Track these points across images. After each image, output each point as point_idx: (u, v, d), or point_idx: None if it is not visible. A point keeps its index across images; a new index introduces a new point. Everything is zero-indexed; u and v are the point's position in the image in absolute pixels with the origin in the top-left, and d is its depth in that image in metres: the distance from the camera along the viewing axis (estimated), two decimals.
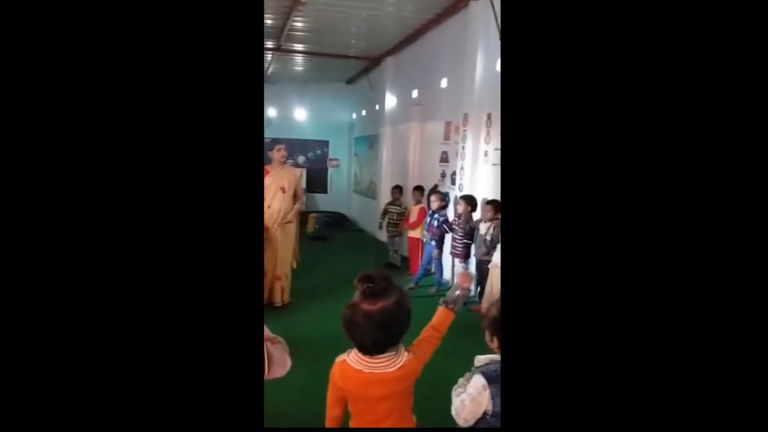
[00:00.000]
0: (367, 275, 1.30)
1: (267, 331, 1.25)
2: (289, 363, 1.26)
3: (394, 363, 1.29)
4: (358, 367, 1.30)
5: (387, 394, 1.31)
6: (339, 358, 1.36)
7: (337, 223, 8.63)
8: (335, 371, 1.35)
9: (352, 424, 1.38)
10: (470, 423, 1.36)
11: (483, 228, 3.91)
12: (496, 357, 1.39)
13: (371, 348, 1.28)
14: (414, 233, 5.15)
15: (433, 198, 4.62)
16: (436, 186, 5.20)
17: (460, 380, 1.42)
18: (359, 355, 1.31)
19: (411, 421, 1.39)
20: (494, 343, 1.45)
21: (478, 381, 1.35)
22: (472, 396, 1.34)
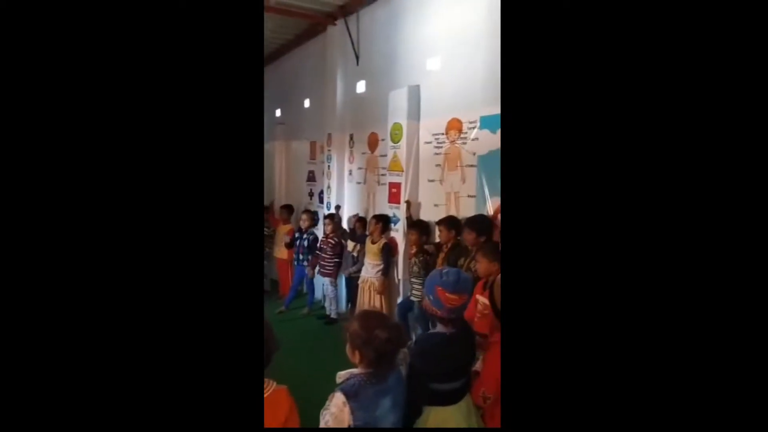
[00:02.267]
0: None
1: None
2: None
3: (266, 388, 1.28)
4: None
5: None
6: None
7: None
8: None
9: None
10: None
11: (350, 245, 4.01)
12: (356, 370, 1.43)
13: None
14: (282, 254, 5.04)
15: (303, 217, 4.59)
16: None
17: (327, 401, 1.44)
18: None
19: None
20: (356, 357, 1.49)
21: (338, 399, 1.38)
22: (333, 414, 1.37)
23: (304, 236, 4.49)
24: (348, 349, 1.53)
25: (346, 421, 1.36)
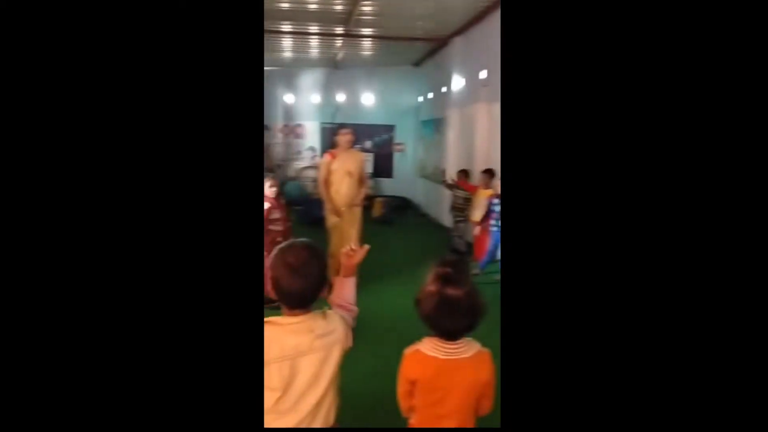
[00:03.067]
0: (448, 261, 1.32)
1: (347, 327, 1.28)
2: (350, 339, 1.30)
3: (469, 349, 1.31)
4: (434, 354, 1.31)
5: (459, 384, 1.32)
6: (409, 349, 1.37)
7: (402, 207, 8.67)
8: (407, 363, 1.36)
9: (415, 418, 1.39)
10: None
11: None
12: None
13: (453, 333, 1.30)
14: (479, 217, 5.05)
15: (497, 183, 4.49)
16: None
17: None
18: (436, 341, 1.32)
19: (472, 422, 1.38)
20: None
21: None
22: None
23: (498, 201, 4.41)
24: None
25: None
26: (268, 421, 1.15)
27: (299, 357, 1.16)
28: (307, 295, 1.19)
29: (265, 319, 1.16)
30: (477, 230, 4.86)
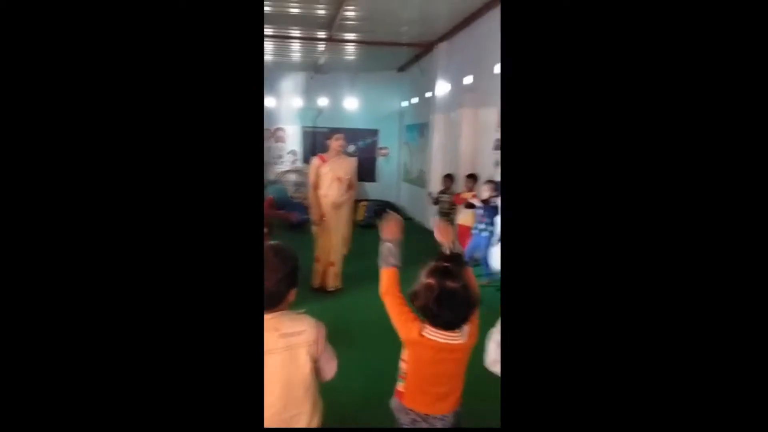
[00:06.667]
0: (446, 256, 1.42)
1: (319, 332, 1.29)
2: (335, 365, 1.35)
3: (463, 334, 1.40)
4: (434, 338, 1.38)
5: (453, 362, 1.43)
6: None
7: (386, 211, 8.67)
8: (408, 326, 1.41)
9: (406, 385, 1.46)
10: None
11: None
12: None
13: (452, 323, 1.37)
14: (464, 221, 5.08)
15: (484, 187, 4.53)
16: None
17: (492, 329, 1.50)
18: (435, 330, 1.38)
19: (461, 385, 1.49)
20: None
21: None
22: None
23: (485, 206, 4.44)
24: None
25: None
26: None
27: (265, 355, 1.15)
28: (272, 294, 1.20)
29: None
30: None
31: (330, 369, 1.33)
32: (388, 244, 1.51)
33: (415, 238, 6.84)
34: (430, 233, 6.41)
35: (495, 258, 4.55)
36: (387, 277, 1.48)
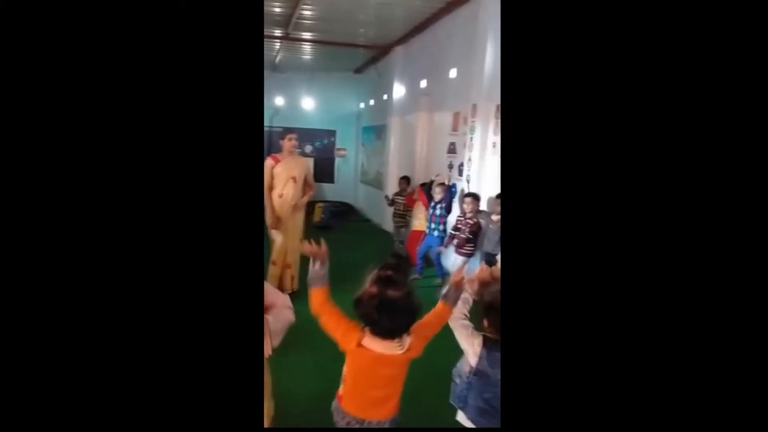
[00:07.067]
0: (389, 264, 1.41)
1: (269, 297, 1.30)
2: (289, 319, 1.38)
3: (402, 346, 1.38)
4: (372, 347, 1.38)
5: (390, 371, 1.42)
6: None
7: (343, 213, 8.64)
8: (348, 336, 1.42)
9: (345, 388, 1.47)
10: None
11: (492, 222, 3.91)
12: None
13: (392, 332, 1.36)
14: (418, 226, 5.15)
15: (437, 189, 4.62)
16: (431, 181, 5.15)
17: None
18: (374, 338, 1.37)
19: (399, 393, 1.49)
20: (485, 325, 1.55)
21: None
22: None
23: (437, 206, 4.54)
24: (485, 321, 1.54)
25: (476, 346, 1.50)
26: None
27: None
28: None
29: None
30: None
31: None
32: (317, 266, 1.48)
33: (372, 239, 6.89)
34: (387, 234, 6.46)
35: (448, 258, 4.64)
36: (317, 296, 1.46)
